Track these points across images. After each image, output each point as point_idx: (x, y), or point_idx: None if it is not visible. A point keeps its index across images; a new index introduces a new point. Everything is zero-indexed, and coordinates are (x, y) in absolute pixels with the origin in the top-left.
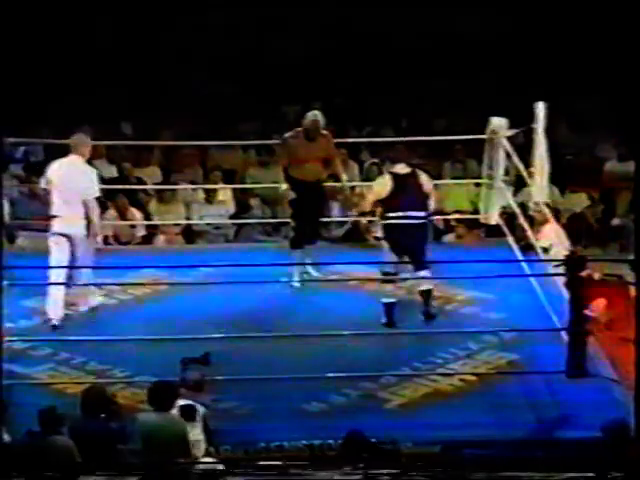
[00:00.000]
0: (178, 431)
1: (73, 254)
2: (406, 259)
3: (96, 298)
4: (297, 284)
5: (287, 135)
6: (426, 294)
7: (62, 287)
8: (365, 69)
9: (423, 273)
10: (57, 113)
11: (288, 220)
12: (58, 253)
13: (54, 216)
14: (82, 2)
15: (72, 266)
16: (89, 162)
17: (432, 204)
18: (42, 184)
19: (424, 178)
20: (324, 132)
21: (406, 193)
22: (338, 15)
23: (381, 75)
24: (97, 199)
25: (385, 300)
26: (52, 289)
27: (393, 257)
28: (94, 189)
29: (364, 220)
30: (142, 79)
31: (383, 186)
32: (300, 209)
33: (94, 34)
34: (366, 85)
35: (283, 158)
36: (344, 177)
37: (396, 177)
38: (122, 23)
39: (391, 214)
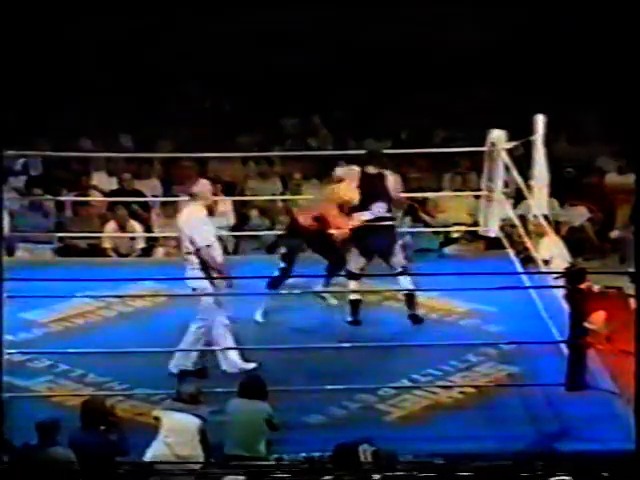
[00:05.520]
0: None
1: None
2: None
3: None
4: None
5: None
6: (408, 298)
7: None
8: (364, 80)
9: (405, 282)
10: (56, 124)
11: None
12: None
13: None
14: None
15: (75, 279)
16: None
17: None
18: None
19: (391, 180)
20: None
21: (372, 193)
22: (337, 24)
23: (380, 86)
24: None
25: (352, 297)
26: (221, 338)
27: (361, 262)
28: (209, 239)
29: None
30: (142, 91)
31: (350, 190)
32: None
33: (92, 43)
34: (365, 96)
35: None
36: None
37: (364, 176)
38: (121, 34)
39: (357, 214)
